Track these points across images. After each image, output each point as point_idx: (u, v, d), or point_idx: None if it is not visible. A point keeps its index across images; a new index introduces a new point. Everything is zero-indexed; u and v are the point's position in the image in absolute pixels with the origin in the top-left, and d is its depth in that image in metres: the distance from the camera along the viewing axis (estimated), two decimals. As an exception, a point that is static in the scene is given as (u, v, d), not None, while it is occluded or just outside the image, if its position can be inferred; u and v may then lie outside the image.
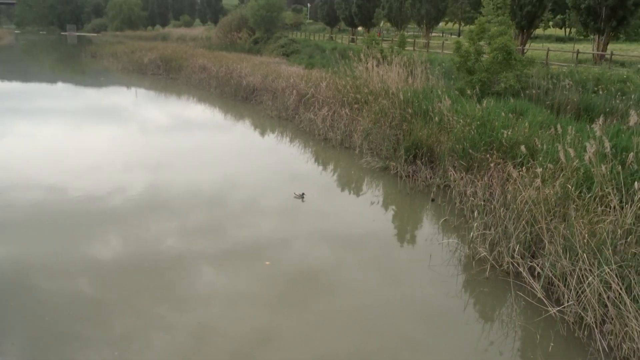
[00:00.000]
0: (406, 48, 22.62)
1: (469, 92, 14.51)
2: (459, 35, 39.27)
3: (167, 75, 33.96)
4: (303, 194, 10.75)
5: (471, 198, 9.54)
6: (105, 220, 9.30)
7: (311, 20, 71.93)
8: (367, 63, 17.90)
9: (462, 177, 10.36)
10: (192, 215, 9.81)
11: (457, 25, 54.79)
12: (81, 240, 8.45)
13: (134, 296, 6.83)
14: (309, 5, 78.39)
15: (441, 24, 46.52)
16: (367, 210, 10.74)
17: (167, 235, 8.84)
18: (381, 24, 45.92)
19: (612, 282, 5.94)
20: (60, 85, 33.85)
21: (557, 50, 24.96)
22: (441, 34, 47.75)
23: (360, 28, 47.68)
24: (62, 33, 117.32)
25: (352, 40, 40.45)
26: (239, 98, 24.46)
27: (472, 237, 8.25)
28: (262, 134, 18.46)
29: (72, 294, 6.80)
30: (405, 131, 13.05)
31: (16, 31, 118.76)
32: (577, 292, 6.34)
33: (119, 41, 63.24)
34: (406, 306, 6.94)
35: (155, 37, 78.07)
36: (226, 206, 10.48)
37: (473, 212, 8.94)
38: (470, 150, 10.62)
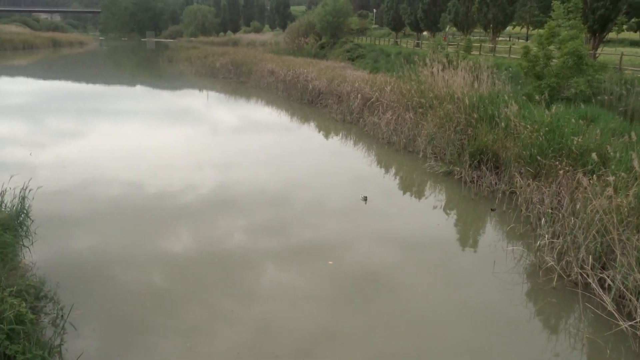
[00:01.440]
0: (472, 52, 22.21)
1: (537, 97, 14.08)
2: (526, 40, 37.92)
3: (237, 79, 35.01)
4: (365, 196, 10.84)
5: (538, 206, 9.28)
6: (177, 215, 9.78)
7: (376, 26, 71.81)
8: (432, 67, 17.74)
9: (528, 184, 10.09)
10: (258, 213, 10.13)
11: (524, 30, 52.92)
12: (155, 234, 8.93)
13: (202, 289, 7.15)
14: (374, 10, 78.28)
15: (508, 28, 45.04)
16: (430, 214, 10.67)
17: (234, 232, 9.19)
18: (447, 29, 45.19)
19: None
20: (139, 88, 35.76)
21: (632, 54, 23.58)
22: (508, 38, 46.32)
23: (425, 33, 47.18)
24: (142, 39, 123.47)
25: (417, 45, 40.08)
26: (304, 101, 24.88)
27: (539, 245, 8.03)
28: (327, 136, 18.70)
29: (146, 285, 7.20)
30: (470, 136, 12.85)
31: (100, 37, 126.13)
32: (651, 306, 6.06)
33: (193, 46, 65.89)
34: (468, 312, 6.84)
35: (226, 43, 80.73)
36: (291, 206, 10.73)
37: (540, 220, 8.70)
38: (538, 157, 10.32)
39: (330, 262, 8.01)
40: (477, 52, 28.39)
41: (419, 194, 12.19)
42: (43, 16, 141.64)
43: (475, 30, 43.29)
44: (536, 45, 16.16)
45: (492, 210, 10.46)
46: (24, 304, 5.04)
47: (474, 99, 14.13)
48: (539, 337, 6.39)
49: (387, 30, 57.76)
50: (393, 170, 14.08)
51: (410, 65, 19.97)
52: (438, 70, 17.41)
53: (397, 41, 47.92)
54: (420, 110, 15.76)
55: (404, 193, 12.33)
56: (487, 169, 11.89)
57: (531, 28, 51.15)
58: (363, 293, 7.25)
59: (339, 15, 47.87)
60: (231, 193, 11.30)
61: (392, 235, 9.40)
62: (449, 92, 15.46)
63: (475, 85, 16.11)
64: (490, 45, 33.19)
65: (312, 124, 20.77)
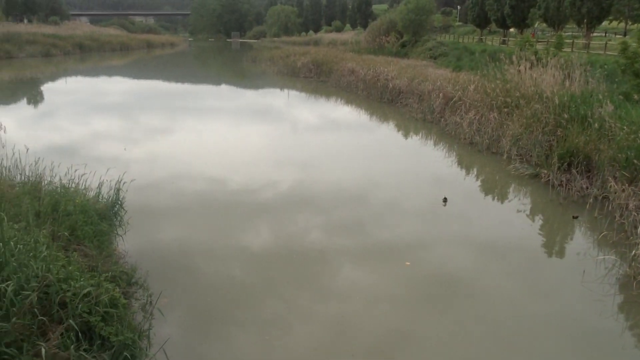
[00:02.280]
0: (563, 49, 21.05)
1: (635, 96, 13.11)
2: (624, 35, 35.28)
3: (317, 78, 35.41)
4: (445, 198, 10.62)
5: (634, 212, 8.65)
6: (257, 211, 10.05)
7: (460, 23, 69.86)
8: (520, 65, 17.01)
9: (624, 189, 9.43)
10: (336, 212, 10.20)
11: (622, 24, 49.25)
12: (236, 228, 9.23)
13: (280, 284, 7.30)
14: (458, 7, 76.21)
15: (604, 23, 42.05)
16: (514, 218, 10.25)
17: (312, 229, 9.31)
18: (536, 25, 43.03)
19: None
20: (224, 87, 37.12)
21: None
22: (604, 34, 43.36)
23: (512, 29, 45.22)
24: (228, 40, 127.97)
25: (504, 42, 38.58)
26: (384, 100, 24.72)
27: (634, 254, 7.50)
28: (406, 136, 18.48)
29: (227, 278, 7.44)
30: (559, 137, 12.21)
31: (189, 39, 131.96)
32: None
33: (276, 46, 67.36)
34: (553, 322, 6.49)
35: (308, 42, 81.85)
36: (368, 205, 10.71)
37: (635, 227, 8.12)
38: (635, 161, 9.62)
39: (408, 263, 7.92)
40: (569, 49, 26.91)
41: (502, 197, 11.75)
42: (138, 19, 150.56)
43: (568, 26, 40.97)
44: (636, 40, 15.06)
45: (574, 217, 9.85)
46: (117, 289, 5.39)
47: (565, 98, 13.41)
48: (633, 352, 5.96)
49: (472, 28, 56.04)
50: (475, 172, 13.67)
51: (495, 63, 19.28)
52: (525, 68, 16.68)
53: (481, 38, 46.38)
54: (506, 109, 15.19)
55: (486, 195, 11.93)
56: (577, 172, 11.25)
57: (630, 22, 47.61)
58: (440, 296, 7.10)
59: (422, 13, 47.09)
60: (310, 191, 11.45)
61: (472, 238, 9.13)
62: (537, 91, 14.77)
63: (567, 83, 15.27)
64: (584, 41, 31.30)
65: (392, 123, 20.59)
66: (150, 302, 6.25)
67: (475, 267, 8.02)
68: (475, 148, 15.21)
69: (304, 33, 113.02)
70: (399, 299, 6.96)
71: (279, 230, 9.20)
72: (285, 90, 32.27)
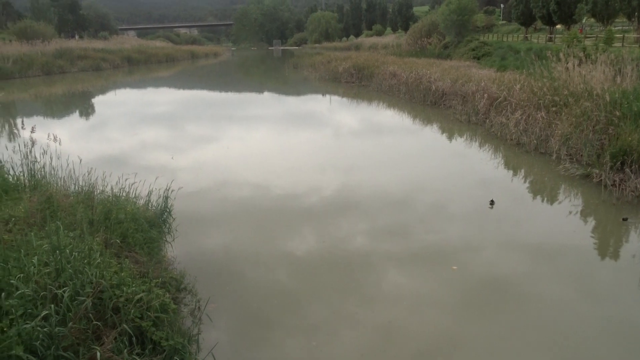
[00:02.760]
0: (613, 44, 20.26)
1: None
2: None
3: (359, 83, 35.38)
4: (492, 200, 10.39)
5: (695, 213, 8.24)
6: (301, 217, 10.12)
7: (504, 22, 68.33)
8: (567, 63, 16.49)
9: (683, 188, 8.99)
10: (380, 216, 10.14)
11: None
12: (281, 234, 9.31)
13: (325, 289, 7.31)
14: (502, 6, 74.58)
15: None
16: (564, 220, 9.92)
17: (356, 234, 9.29)
18: (583, 20, 41.60)
19: None
20: (266, 94, 37.60)
21: None
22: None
23: (559, 26, 43.89)
24: (269, 48, 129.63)
25: (550, 40, 37.50)
26: (427, 103, 24.46)
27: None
28: (450, 138, 18.21)
29: (273, 284, 7.49)
30: (611, 136, 11.76)
31: (232, 48, 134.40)
32: None
33: (317, 52, 67.74)
34: (608, 328, 6.24)
35: (349, 47, 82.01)
36: (413, 209, 10.60)
37: (697, 228, 7.71)
38: (696, 158, 9.16)
39: (454, 268, 7.79)
40: (620, 44, 25.89)
41: (552, 199, 11.39)
42: (183, 31, 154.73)
43: (617, 20, 39.45)
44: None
45: (623, 220, 9.44)
46: (167, 295, 5.53)
47: (616, 95, 12.90)
48: (697, 361, 5.66)
49: (516, 26, 54.74)
50: (522, 173, 13.32)
51: (541, 61, 18.77)
52: (574, 66, 16.16)
53: (526, 37, 45.25)
54: (554, 108, 14.76)
55: (535, 197, 11.60)
56: (631, 171, 10.80)
57: (686, 14, 45.32)
58: (489, 301, 6.94)
59: (464, 13, 46.43)
60: (353, 195, 11.43)
61: (521, 241, 8.89)
62: (587, 89, 14.28)
63: (618, 80, 14.69)
64: (635, 35, 30.07)
65: (435, 126, 20.34)
66: (199, 307, 6.38)
67: (525, 271, 7.80)
68: (523, 149, 14.83)
69: (344, 38, 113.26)
70: (446, 304, 6.85)
71: (324, 235, 9.22)
72: (327, 96, 32.39)
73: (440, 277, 7.57)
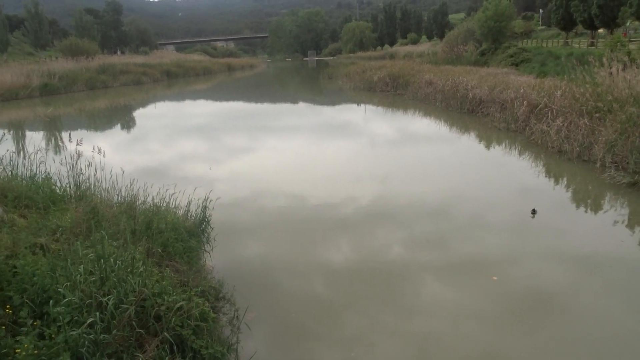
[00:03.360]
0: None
1: None
2: None
3: (394, 92, 35.24)
4: (534, 210, 10.15)
5: None
6: (338, 226, 10.10)
7: (543, 27, 67.05)
8: (611, 67, 16.01)
9: None
10: (417, 226, 10.03)
11: None
12: (317, 244, 9.31)
13: (363, 300, 7.26)
14: (541, 11, 73.20)
15: None
16: (611, 230, 9.58)
17: (394, 244, 9.21)
18: (627, 24, 40.36)
19: None
20: (301, 104, 37.89)
21: None
22: None
23: (601, 30, 42.73)
24: (304, 58, 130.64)
25: (592, 44, 36.54)
26: (464, 111, 24.15)
27: None
28: (488, 146, 17.90)
29: (310, 294, 7.50)
30: (660, 142, 11.33)
31: (268, 60, 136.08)
32: None
33: (352, 62, 67.87)
34: (659, 342, 6.00)
35: (383, 56, 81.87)
36: (451, 219, 10.44)
37: None
38: None
39: (495, 278, 7.61)
40: (667, 47, 25.04)
41: (597, 208, 11.03)
42: (219, 44, 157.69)
43: (664, 22, 38.19)
44: None
45: None
46: (206, 304, 5.60)
47: (664, 100, 12.46)
48: None
49: (556, 31, 53.66)
50: (565, 182, 12.96)
51: (583, 66, 18.30)
52: (618, 70, 15.69)
53: (567, 42, 44.26)
54: (597, 115, 14.34)
55: (579, 206, 11.26)
56: (682, 179, 10.38)
57: None
58: (531, 313, 6.74)
59: (501, 20, 45.72)
60: (390, 205, 11.35)
61: (565, 252, 8.63)
62: (632, 94, 13.83)
63: (665, 84, 14.18)
64: (684, 37, 29.02)
65: (473, 134, 20.04)
66: (237, 316, 6.43)
67: (569, 283, 7.56)
68: (565, 156, 14.44)
69: (379, 47, 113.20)
70: (487, 315, 6.70)
71: (360, 245, 9.18)
72: (362, 105, 32.37)
73: (481, 288, 7.41)
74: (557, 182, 13.00)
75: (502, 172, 14.26)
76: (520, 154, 15.94)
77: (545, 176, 13.50)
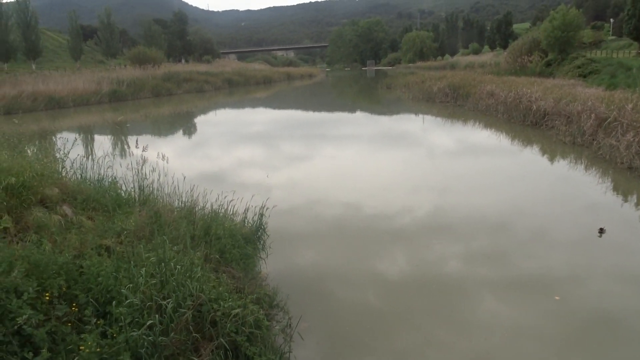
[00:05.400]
0: None
1: None
2: None
3: (454, 103, 34.61)
4: (602, 228, 9.66)
5: None
6: (393, 237, 9.99)
7: (614, 37, 64.03)
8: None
9: None
10: (475, 240, 9.78)
11: None
12: (372, 254, 9.24)
13: (416, 314, 7.15)
14: (611, 20, 69.96)
15: None
16: (686, 253, 8.99)
17: (451, 258, 9.01)
18: None
19: None
20: (359, 114, 37.88)
21: None
22: None
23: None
24: (363, 68, 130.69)
25: (669, 55, 34.56)
26: (527, 123, 23.38)
27: None
28: (552, 160, 17.24)
29: (364, 305, 7.43)
30: None
31: (327, 69, 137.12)
32: None
33: (411, 72, 67.27)
34: None
35: (444, 66, 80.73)
36: (511, 234, 10.11)
37: None
38: None
39: (557, 297, 7.30)
40: None
41: (671, 228, 10.38)
42: (279, 53, 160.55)
43: None
44: None
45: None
46: (261, 311, 5.66)
47: None
48: None
49: (628, 41, 51.09)
50: (635, 199, 12.29)
51: (658, 78, 17.34)
52: (697, 82, 14.76)
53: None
54: (673, 130, 13.53)
55: (650, 226, 10.64)
56: None
57: None
58: (596, 336, 6.41)
59: (569, 30, 44.05)
60: (447, 217, 11.12)
61: (634, 273, 8.16)
62: None
63: None
64: None
65: (536, 147, 19.36)
66: (290, 325, 6.45)
67: (638, 305, 7.13)
68: (635, 173, 13.70)
69: (439, 57, 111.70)
70: (548, 336, 6.42)
71: (416, 258, 9.04)
72: (420, 116, 31.98)
73: (542, 308, 7.12)
74: (626, 199, 12.34)
75: (567, 187, 13.69)
76: (586, 169, 15.26)
77: (614, 193, 12.85)
